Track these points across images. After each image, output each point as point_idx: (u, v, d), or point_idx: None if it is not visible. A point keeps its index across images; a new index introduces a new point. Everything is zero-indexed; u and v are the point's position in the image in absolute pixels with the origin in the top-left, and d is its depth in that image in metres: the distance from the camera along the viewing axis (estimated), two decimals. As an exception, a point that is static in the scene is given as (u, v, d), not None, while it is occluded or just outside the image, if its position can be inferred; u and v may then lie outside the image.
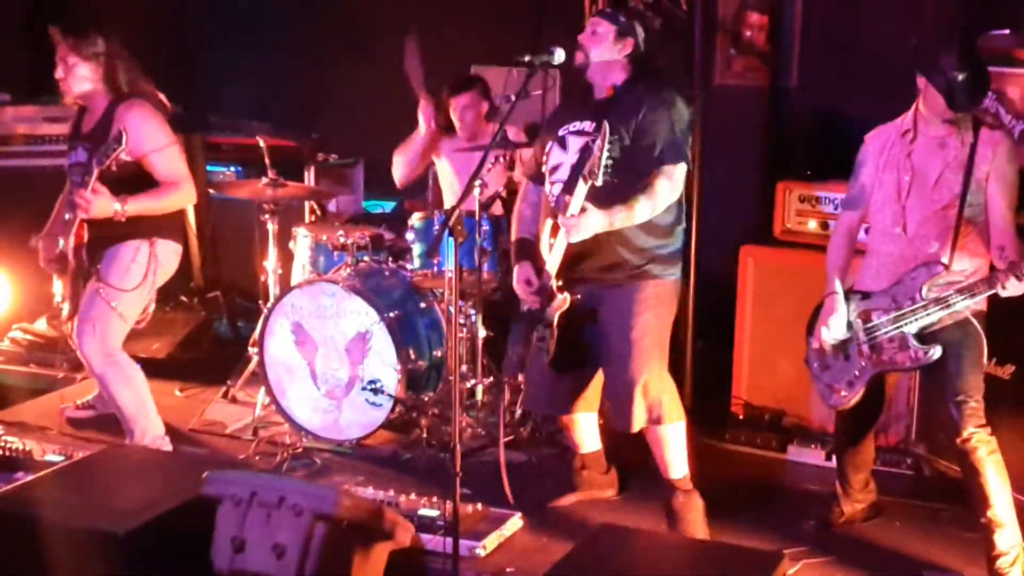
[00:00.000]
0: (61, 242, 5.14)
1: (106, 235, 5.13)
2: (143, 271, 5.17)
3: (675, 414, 4.66)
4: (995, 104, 5.08)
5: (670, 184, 4.45)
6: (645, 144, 4.46)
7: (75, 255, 5.10)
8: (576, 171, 4.42)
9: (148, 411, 5.37)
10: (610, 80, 4.61)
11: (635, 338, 4.56)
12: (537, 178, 4.82)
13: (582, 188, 4.30)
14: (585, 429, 5.03)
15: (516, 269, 4.69)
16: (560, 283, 4.52)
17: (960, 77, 4.22)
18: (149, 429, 5.36)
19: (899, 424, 5.38)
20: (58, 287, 5.35)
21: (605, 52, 4.57)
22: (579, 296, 4.54)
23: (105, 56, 5.13)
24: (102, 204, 4.95)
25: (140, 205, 5.05)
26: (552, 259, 4.51)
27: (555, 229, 4.48)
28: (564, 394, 4.85)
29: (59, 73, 5.14)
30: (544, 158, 4.72)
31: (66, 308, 5.29)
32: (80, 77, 5.13)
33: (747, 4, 6.35)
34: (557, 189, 4.58)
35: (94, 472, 4.53)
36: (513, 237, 4.87)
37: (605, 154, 4.21)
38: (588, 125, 4.56)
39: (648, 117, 4.48)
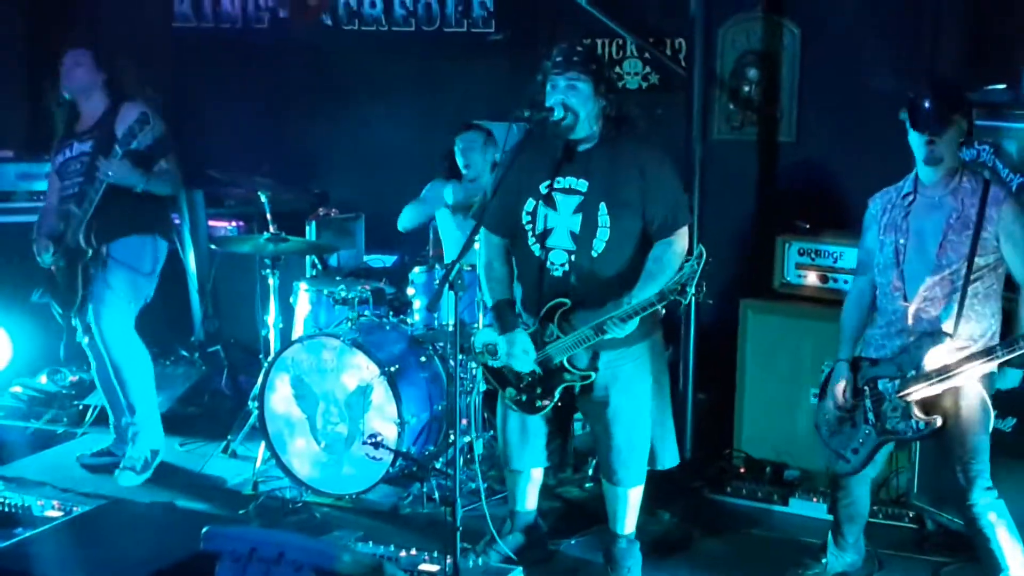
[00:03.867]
0: (60, 226, 5.62)
1: (113, 226, 5.56)
2: (150, 261, 5.73)
3: (655, 471, 4.73)
4: (992, 158, 5.10)
5: (683, 248, 4.47)
6: (654, 209, 4.43)
7: (85, 240, 5.52)
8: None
9: (152, 398, 5.85)
10: (584, 132, 4.46)
11: (646, 399, 4.60)
12: (511, 233, 4.62)
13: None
14: (537, 484, 4.99)
15: (509, 338, 4.52)
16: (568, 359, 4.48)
17: (926, 102, 4.23)
18: (151, 417, 5.82)
19: (900, 477, 5.35)
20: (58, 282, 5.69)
21: (590, 106, 4.41)
22: (595, 376, 4.50)
23: (108, 62, 5.69)
24: (126, 170, 5.44)
25: (153, 182, 5.54)
26: (566, 343, 4.42)
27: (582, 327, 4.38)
28: (542, 447, 4.82)
29: (64, 69, 5.65)
30: (527, 217, 4.53)
31: (73, 300, 5.64)
32: (84, 75, 5.64)
33: (745, 60, 6.41)
34: (558, 258, 4.46)
35: (93, 528, 4.51)
36: (492, 298, 4.65)
37: (699, 274, 4.13)
38: (577, 183, 4.45)
39: (653, 179, 4.43)
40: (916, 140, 4.29)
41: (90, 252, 5.55)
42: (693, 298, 4.17)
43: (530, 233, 4.54)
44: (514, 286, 4.65)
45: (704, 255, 4.14)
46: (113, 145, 5.38)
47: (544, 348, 4.49)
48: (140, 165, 5.50)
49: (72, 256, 5.57)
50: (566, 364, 4.48)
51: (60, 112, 5.77)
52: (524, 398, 4.61)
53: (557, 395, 4.54)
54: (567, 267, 4.46)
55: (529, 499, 4.99)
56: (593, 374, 4.48)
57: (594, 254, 4.43)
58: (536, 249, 4.52)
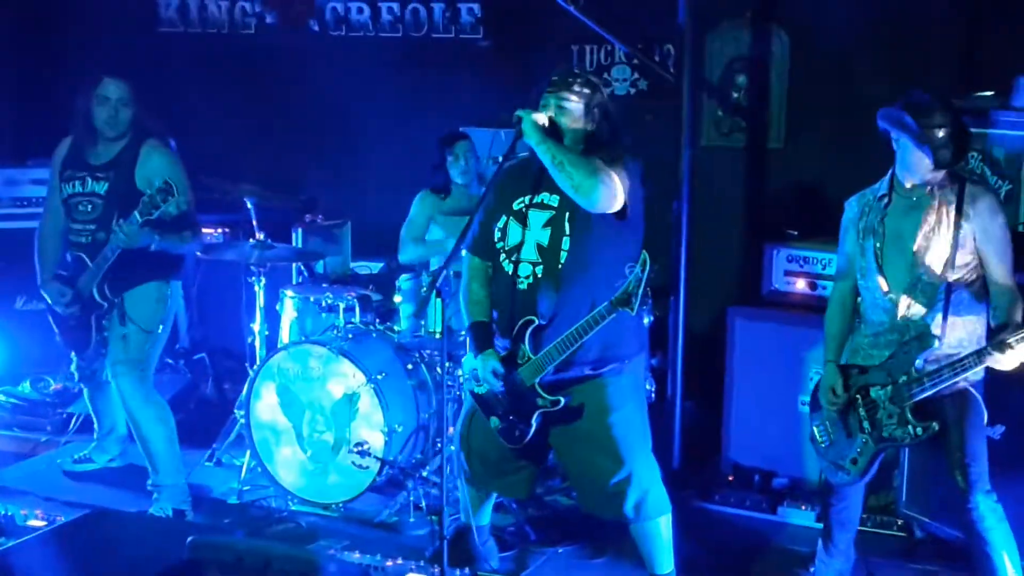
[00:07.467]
0: (71, 274, 5.39)
1: (127, 275, 5.33)
2: (165, 310, 5.51)
3: (663, 506, 4.58)
4: (981, 165, 5.10)
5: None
6: (618, 220, 4.36)
7: (100, 294, 5.34)
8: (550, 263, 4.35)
9: (176, 453, 5.55)
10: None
11: (625, 430, 4.47)
12: (487, 253, 4.57)
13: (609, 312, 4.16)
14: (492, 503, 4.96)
15: (482, 359, 4.44)
16: (540, 382, 4.37)
17: (941, 134, 4.17)
18: (173, 477, 5.52)
19: (889, 485, 5.34)
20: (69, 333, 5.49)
21: (578, 124, 4.39)
22: (567, 400, 4.39)
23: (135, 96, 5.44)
24: (143, 236, 5.19)
25: (168, 243, 5.32)
26: (535, 365, 4.34)
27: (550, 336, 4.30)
28: (523, 479, 4.72)
29: (110, 111, 5.35)
30: (498, 234, 4.50)
31: (88, 341, 5.48)
32: (127, 114, 5.39)
33: (734, 67, 6.41)
34: (524, 271, 4.40)
35: (77, 538, 4.46)
36: (468, 320, 4.59)
37: (644, 282, 4.05)
38: (550, 198, 4.41)
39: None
40: (924, 165, 4.22)
41: (105, 305, 5.37)
42: (640, 308, 4.08)
43: (501, 250, 4.51)
44: (491, 309, 4.57)
45: (648, 262, 4.06)
46: (132, 209, 5.10)
47: (516, 370, 4.41)
48: (158, 230, 5.24)
49: (85, 305, 5.40)
50: (537, 387, 4.38)
51: (75, 128, 5.46)
52: (504, 426, 4.50)
53: (534, 423, 4.42)
54: (531, 279, 4.40)
55: (488, 514, 4.95)
56: (562, 399, 4.37)
57: (558, 266, 4.36)
58: (505, 264, 4.48)
